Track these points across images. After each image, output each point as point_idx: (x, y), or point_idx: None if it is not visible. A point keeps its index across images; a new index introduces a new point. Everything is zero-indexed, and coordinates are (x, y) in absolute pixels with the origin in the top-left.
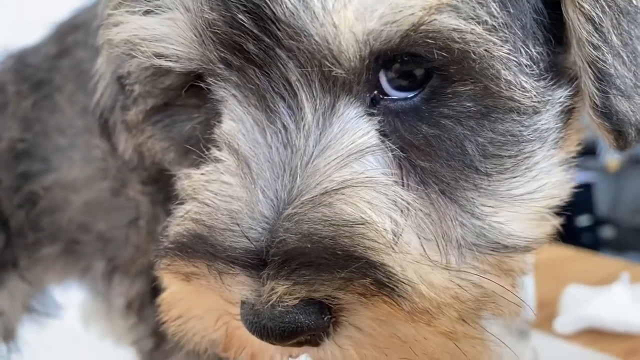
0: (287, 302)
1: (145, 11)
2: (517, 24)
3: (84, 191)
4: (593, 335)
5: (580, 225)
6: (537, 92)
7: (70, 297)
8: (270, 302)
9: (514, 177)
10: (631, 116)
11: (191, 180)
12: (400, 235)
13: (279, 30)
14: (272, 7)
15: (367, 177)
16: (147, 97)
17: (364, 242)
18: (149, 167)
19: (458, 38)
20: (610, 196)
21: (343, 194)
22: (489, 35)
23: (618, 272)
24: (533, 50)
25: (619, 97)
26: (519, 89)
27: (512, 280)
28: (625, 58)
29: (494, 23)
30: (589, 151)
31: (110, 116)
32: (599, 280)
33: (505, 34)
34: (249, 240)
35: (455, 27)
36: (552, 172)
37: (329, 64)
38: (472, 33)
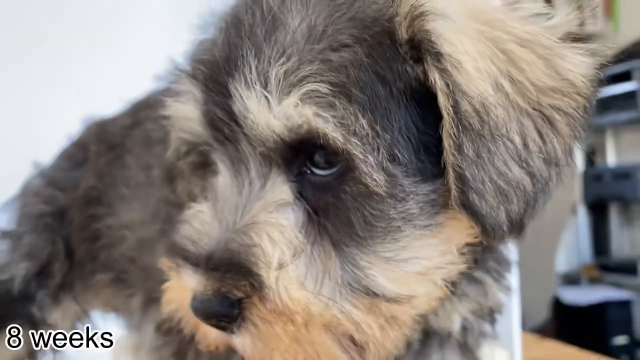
0: (208, 292)
1: (180, 101)
2: (384, 137)
3: (138, 230)
4: None
5: (617, 344)
6: (393, 185)
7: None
8: (199, 291)
9: (385, 243)
10: (484, 211)
11: (191, 209)
12: (286, 262)
13: (238, 120)
14: (232, 107)
15: (276, 220)
16: (190, 154)
17: (251, 259)
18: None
19: (329, 139)
20: None
21: (257, 228)
22: (352, 139)
23: None
24: (400, 156)
25: (474, 195)
26: (371, 180)
27: (382, 321)
28: (480, 167)
29: (359, 133)
30: (626, 269)
31: (174, 167)
32: None
33: (369, 141)
34: (198, 249)
35: (325, 131)
36: (425, 251)
37: (260, 145)
38: (336, 136)
